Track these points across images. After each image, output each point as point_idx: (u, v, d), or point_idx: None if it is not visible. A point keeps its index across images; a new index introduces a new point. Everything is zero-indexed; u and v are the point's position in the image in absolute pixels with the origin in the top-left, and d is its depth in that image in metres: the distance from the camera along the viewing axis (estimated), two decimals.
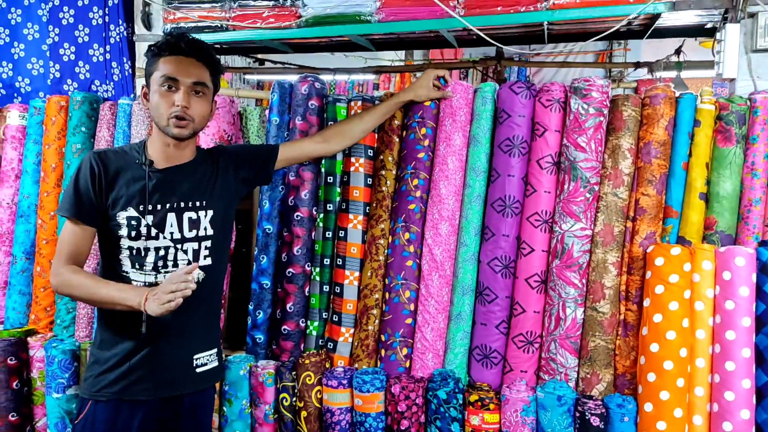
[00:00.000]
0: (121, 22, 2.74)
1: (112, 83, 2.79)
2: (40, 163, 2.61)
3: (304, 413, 2.15)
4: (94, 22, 2.78)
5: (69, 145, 2.53)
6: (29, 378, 2.46)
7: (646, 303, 1.92)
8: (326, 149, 2.16)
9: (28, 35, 2.94)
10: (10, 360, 2.39)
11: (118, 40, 2.75)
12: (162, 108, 1.71)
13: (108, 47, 2.77)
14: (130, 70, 2.76)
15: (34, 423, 2.47)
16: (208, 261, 1.81)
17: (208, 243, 1.82)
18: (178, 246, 1.77)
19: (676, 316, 1.86)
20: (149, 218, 1.73)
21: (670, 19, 2.36)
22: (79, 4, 2.81)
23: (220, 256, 1.88)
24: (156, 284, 1.72)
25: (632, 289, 1.99)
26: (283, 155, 2.05)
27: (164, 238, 1.75)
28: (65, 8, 2.83)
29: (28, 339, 2.47)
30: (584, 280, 1.99)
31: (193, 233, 1.79)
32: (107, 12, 2.76)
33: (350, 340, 2.24)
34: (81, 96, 2.56)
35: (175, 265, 1.76)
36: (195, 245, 1.79)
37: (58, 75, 2.89)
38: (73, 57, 2.85)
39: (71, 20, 2.83)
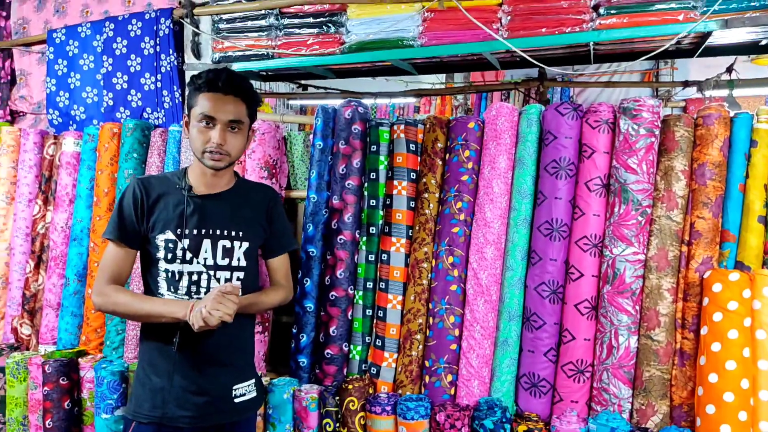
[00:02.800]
0: (171, 51, 2.83)
1: (162, 111, 2.87)
2: (93, 188, 2.70)
3: None
4: (145, 52, 2.88)
5: (121, 170, 2.61)
6: (80, 398, 2.51)
7: (704, 331, 1.84)
8: None
9: (83, 65, 3.06)
10: (62, 380, 2.45)
11: (168, 69, 2.84)
12: (199, 143, 1.78)
13: (159, 76, 2.86)
14: (180, 98, 2.83)
15: None
16: (239, 285, 1.83)
17: (241, 274, 1.86)
18: (211, 273, 1.81)
19: (735, 345, 1.77)
20: (185, 242, 1.78)
21: (721, 36, 2.29)
22: (132, 35, 2.91)
23: (253, 290, 1.91)
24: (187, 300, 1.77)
25: (688, 316, 1.91)
26: (270, 260, 2.01)
27: (198, 263, 1.80)
28: (119, 39, 2.94)
29: (79, 360, 2.52)
30: (638, 307, 1.92)
31: (226, 261, 1.83)
32: (158, 42, 2.86)
33: (394, 365, 2.21)
34: (133, 123, 2.64)
35: (208, 291, 1.80)
36: (227, 274, 1.83)
37: (111, 103, 3.00)
38: (125, 86, 2.96)
39: (124, 50, 2.94)
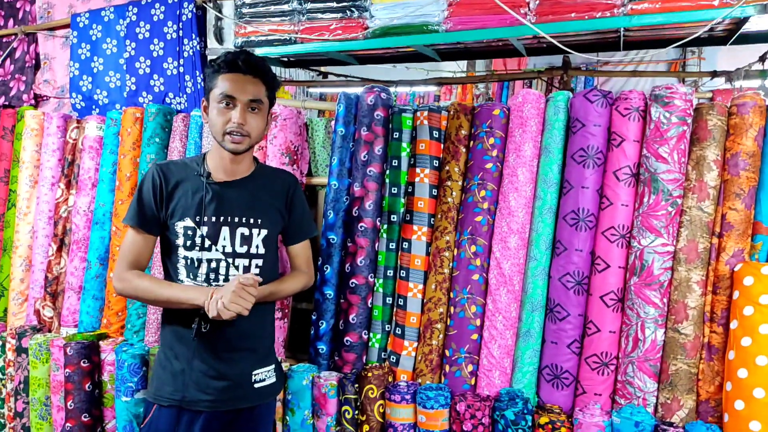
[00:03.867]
0: (194, 36, 2.81)
1: (185, 96, 2.87)
2: (115, 172, 2.71)
3: (366, 427, 2.12)
4: (168, 37, 2.88)
5: (143, 155, 2.61)
6: (100, 381, 2.53)
7: (733, 325, 1.79)
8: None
9: (106, 50, 3.06)
10: (84, 362, 2.47)
11: (191, 54, 2.83)
12: (219, 124, 1.76)
13: (182, 61, 2.86)
14: (202, 83, 2.83)
15: (105, 425, 2.54)
16: (259, 280, 1.82)
17: (260, 262, 1.84)
18: (230, 260, 1.80)
19: (767, 340, 1.72)
20: (204, 229, 1.78)
21: (757, 23, 2.21)
22: (155, 19, 2.91)
23: (272, 277, 1.90)
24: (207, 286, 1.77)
25: (717, 310, 1.86)
26: (290, 246, 2.00)
27: (216, 250, 1.79)
28: (141, 23, 2.94)
29: (100, 342, 2.54)
30: (665, 300, 1.87)
31: (244, 249, 1.82)
32: (181, 27, 2.85)
33: (413, 354, 2.19)
34: (155, 108, 2.64)
35: (227, 279, 1.80)
36: (246, 262, 1.82)
37: (134, 88, 3.00)
38: (148, 70, 2.95)
39: (147, 35, 2.94)
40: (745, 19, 2.13)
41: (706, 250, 1.87)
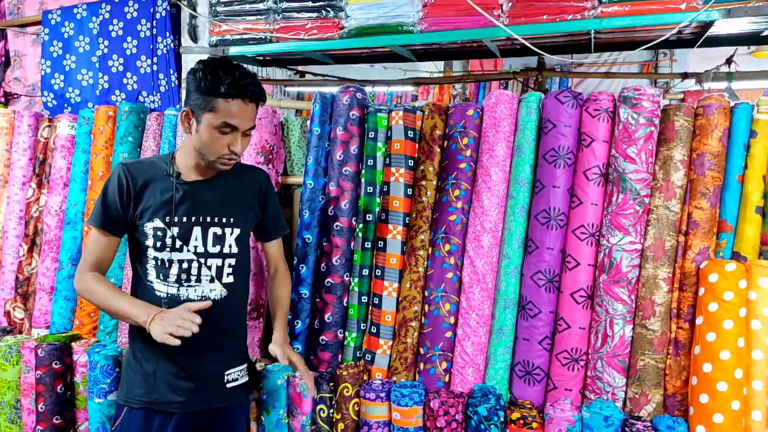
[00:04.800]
0: (168, 34, 2.80)
1: (158, 94, 2.85)
2: (87, 171, 2.68)
3: (341, 425, 2.13)
4: (142, 35, 2.85)
5: (116, 154, 2.59)
6: (73, 382, 2.50)
7: (699, 321, 1.84)
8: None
9: (79, 47, 3.03)
10: (55, 364, 2.44)
11: (165, 52, 2.81)
12: (216, 148, 1.70)
13: (155, 59, 2.84)
14: (176, 81, 2.81)
15: (77, 427, 2.51)
16: (231, 279, 1.82)
17: (233, 261, 1.83)
18: (202, 260, 1.78)
19: (730, 335, 1.77)
20: (175, 230, 1.75)
21: (723, 26, 2.28)
22: (128, 17, 2.88)
23: (244, 276, 1.90)
24: (178, 296, 1.76)
25: (684, 306, 1.91)
26: (267, 243, 2.01)
27: (188, 250, 1.77)
28: (115, 21, 2.91)
29: (73, 344, 2.51)
30: (633, 296, 1.92)
31: (217, 249, 1.80)
32: (155, 25, 2.83)
33: (388, 352, 2.21)
34: (128, 106, 2.62)
35: (198, 279, 1.78)
36: (219, 261, 1.80)
37: (106, 86, 2.97)
38: (121, 68, 2.93)
39: (120, 33, 2.91)
40: (711, 23, 2.19)
41: (672, 247, 1.91)
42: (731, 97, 3.52)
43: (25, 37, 3.37)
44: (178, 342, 1.59)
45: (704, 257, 1.89)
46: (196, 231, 1.78)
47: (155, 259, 1.77)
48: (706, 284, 1.83)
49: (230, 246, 1.82)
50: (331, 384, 2.16)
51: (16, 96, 3.46)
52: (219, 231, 1.81)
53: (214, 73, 1.64)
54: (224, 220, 1.81)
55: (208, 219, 1.79)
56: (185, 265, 1.77)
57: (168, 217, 1.75)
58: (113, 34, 2.92)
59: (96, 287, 1.74)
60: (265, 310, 2.43)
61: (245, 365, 1.91)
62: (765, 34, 2.37)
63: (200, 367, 1.78)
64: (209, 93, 1.64)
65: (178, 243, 1.76)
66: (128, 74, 2.91)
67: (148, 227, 1.76)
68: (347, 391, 2.12)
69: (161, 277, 1.77)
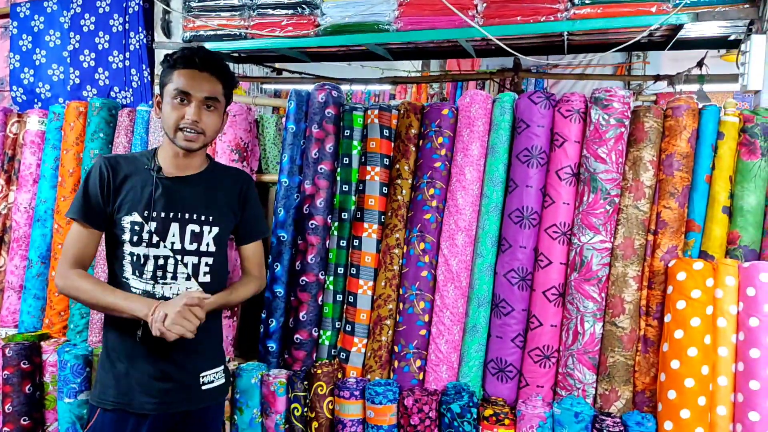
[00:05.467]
0: (141, 29, 2.76)
1: (130, 90, 2.81)
2: (57, 168, 2.63)
3: (315, 424, 2.12)
4: (114, 30, 2.81)
5: (87, 150, 2.55)
6: (42, 382, 2.46)
7: (667, 318, 1.87)
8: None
9: (49, 42, 2.97)
10: (24, 364, 2.39)
11: (137, 47, 2.77)
12: (172, 120, 1.73)
13: (127, 54, 2.79)
14: (149, 77, 2.77)
15: (46, 427, 2.47)
16: (207, 278, 1.81)
17: (210, 260, 1.81)
18: (178, 257, 1.76)
19: (697, 332, 1.81)
20: (152, 225, 1.73)
21: (692, 30, 2.32)
22: (100, 11, 2.83)
23: (221, 275, 1.88)
24: (153, 294, 1.73)
25: (653, 304, 1.95)
26: (242, 247, 1.96)
27: (165, 246, 1.75)
28: (86, 15, 2.86)
29: (42, 343, 2.47)
30: (603, 294, 1.95)
31: (194, 246, 1.78)
32: (127, 20, 2.78)
33: (363, 350, 2.21)
34: (100, 102, 2.58)
35: (174, 277, 1.76)
36: (195, 259, 1.79)
37: (77, 81, 2.91)
38: (93, 63, 2.88)
39: (92, 27, 2.86)
40: (681, 26, 2.23)
41: (642, 246, 1.95)
42: (702, 99, 3.60)
43: None
44: (176, 337, 1.60)
45: (673, 256, 1.93)
46: (174, 227, 1.76)
47: (131, 254, 1.74)
48: (675, 282, 1.87)
49: (207, 244, 1.81)
50: (306, 382, 2.16)
51: None
52: (197, 228, 1.79)
53: (174, 52, 1.76)
54: (203, 217, 1.80)
55: (187, 216, 1.78)
56: (161, 262, 1.75)
57: (146, 212, 1.73)
58: (85, 29, 2.86)
59: (83, 284, 1.70)
60: (239, 309, 2.42)
61: (221, 367, 1.89)
62: (732, 38, 2.42)
63: (175, 369, 1.76)
64: (167, 68, 1.75)
65: (155, 238, 1.74)
66: (100, 69, 2.86)
67: (126, 221, 1.73)
68: (321, 390, 2.12)
69: (137, 274, 1.74)
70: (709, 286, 1.84)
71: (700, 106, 2.00)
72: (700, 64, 3.52)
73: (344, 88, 4.90)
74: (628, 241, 1.93)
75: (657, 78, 4.19)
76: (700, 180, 1.96)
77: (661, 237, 1.94)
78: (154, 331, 1.60)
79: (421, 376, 2.13)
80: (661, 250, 1.94)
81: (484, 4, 2.28)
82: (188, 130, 1.72)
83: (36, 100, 3.04)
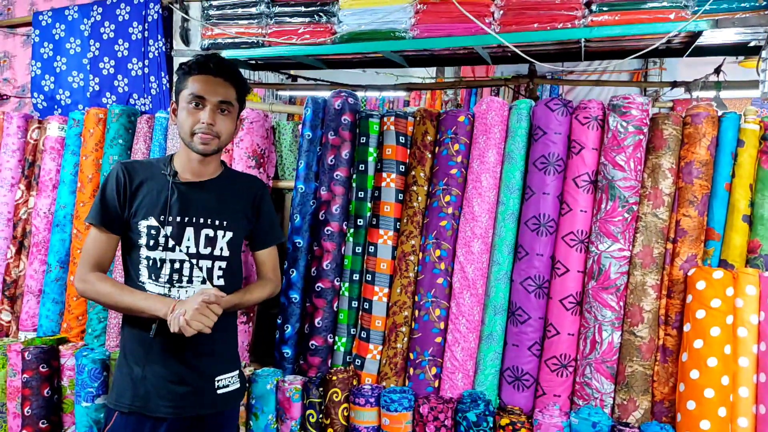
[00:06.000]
0: (159, 37, 2.79)
1: (149, 97, 2.84)
2: (77, 173, 2.66)
3: (330, 431, 2.12)
4: (133, 37, 2.84)
5: (106, 156, 2.58)
6: (60, 386, 2.48)
7: (687, 328, 1.85)
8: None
9: (70, 49, 3.01)
10: (42, 367, 2.42)
11: (156, 54, 2.81)
12: (188, 124, 1.76)
13: (146, 62, 2.83)
14: (167, 85, 2.80)
15: (63, 431, 2.49)
16: (221, 282, 1.82)
17: (223, 264, 1.83)
18: (193, 261, 1.79)
19: (717, 342, 1.79)
20: (168, 229, 1.76)
21: (711, 37, 2.31)
22: (120, 19, 2.87)
23: (235, 279, 1.90)
24: (168, 297, 1.75)
25: (672, 313, 1.93)
26: (257, 252, 1.99)
27: (180, 251, 1.77)
28: (106, 23, 2.90)
29: (60, 347, 2.49)
30: (622, 303, 1.93)
31: (208, 250, 1.81)
32: (147, 28, 2.82)
33: (378, 357, 2.21)
34: (119, 109, 2.61)
35: (190, 281, 1.78)
36: (209, 263, 1.81)
37: (97, 88, 2.95)
38: (112, 71, 2.91)
39: (111, 35, 2.90)
40: (699, 33, 2.21)
41: (660, 255, 1.93)
42: (720, 106, 3.56)
43: (15, 38, 3.36)
44: (194, 332, 1.61)
45: (692, 265, 1.91)
46: (189, 231, 1.79)
47: (147, 258, 1.77)
48: (694, 291, 1.85)
49: (221, 249, 1.83)
50: (321, 389, 2.16)
51: (5, 97, 3.44)
52: (211, 233, 1.81)
53: (189, 60, 1.81)
54: (217, 222, 1.82)
55: (201, 220, 1.80)
56: (177, 266, 1.77)
57: (162, 216, 1.76)
58: (104, 37, 2.91)
59: (103, 286, 1.74)
60: (254, 315, 2.43)
61: (237, 372, 1.89)
62: (752, 44, 2.40)
63: (190, 372, 1.77)
64: (182, 75, 1.79)
65: (171, 242, 1.77)
66: (119, 76, 2.90)
67: (142, 225, 1.76)
68: (337, 396, 2.12)
69: (153, 278, 1.77)
70: (729, 295, 1.82)
71: (720, 113, 1.98)
72: (717, 70, 3.49)
73: (359, 94, 4.91)
74: (647, 250, 1.92)
75: (674, 84, 4.16)
76: (720, 188, 1.94)
77: (680, 245, 1.92)
78: (173, 327, 1.61)
79: (436, 384, 2.12)
80: (680, 259, 1.92)
81: (501, 12, 2.28)
82: (203, 133, 1.75)
83: (56, 107, 3.08)
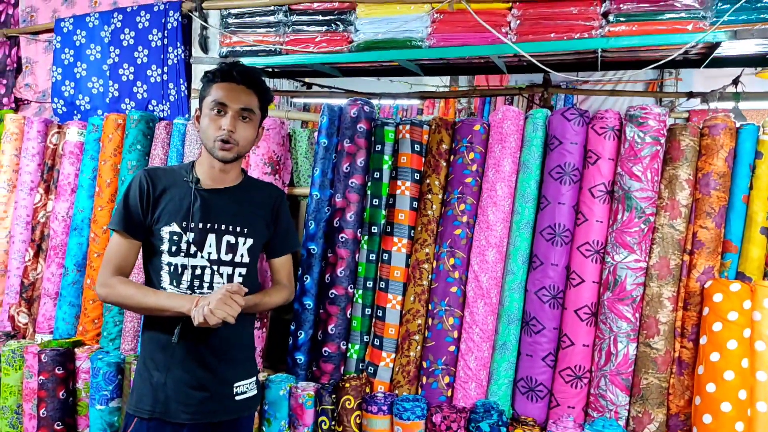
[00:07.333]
0: (179, 44, 2.83)
1: (168, 103, 2.87)
2: (95, 178, 2.70)
3: None
4: (153, 45, 2.88)
5: (124, 161, 2.61)
6: (75, 388, 2.50)
7: (703, 341, 1.84)
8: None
9: (90, 56, 3.06)
10: (58, 370, 2.44)
11: (175, 62, 2.84)
12: (210, 131, 1.78)
13: (165, 68, 2.86)
14: (186, 91, 2.83)
15: None
16: (245, 290, 1.82)
17: (243, 271, 1.85)
18: (215, 267, 1.80)
19: (734, 355, 1.77)
20: (190, 235, 1.78)
21: (729, 48, 2.29)
22: (140, 27, 2.91)
23: (254, 287, 1.91)
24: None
25: (688, 325, 1.91)
26: (273, 260, 2.00)
27: (202, 257, 1.79)
28: (126, 30, 2.94)
29: (76, 350, 2.52)
30: (637, 315, 1.92)
31: (229, 257, 1.82)
32: (166, 35, 2.86)
33: (391, 365, 2.21)
34: (138, 115, 2.64)
35: (211, 287, 1.80)
36: (230, 270, 1.82)
37: (116, 94, 2.99)
38: (131, 77, 2.95)
39: (131, 42, 2.94)
40: (717, 44, 2.21)
41: (677, 266, 1.92)
42: (738, 118, 3.53)
43: (38, 44, 3.41)
44: (218, 321, 1.61)
45: (709, 277, 1.89)
46: (211, 238, 1.80)
47: (169, 264, 1.79)
48: (711, 304, 1.83)
49: (242, 255, 1.84)
50: (334, 396, 2.16)
51: (26, 102, 3.49)
52: (232, 239, 1.83)
53: (214, 68, 1.84)
54: (238, 229, 1.84)
55: (223, 227, 1.82)
56: (198, 272, 1.79)
57: (185, 222, 1.78)
58: (124, 43, 2.95)
59: (125, 289, 1.75)
60: (268, 321, 2.44)
61: (254, 378, 1.90)
62: None
63: (210, 378, 1.78)
64: (206, 82, 1.82)
65: (193, 249, 1.78)
66: (138, 83, 2.94)
67: (165, 231, 1.78)
68: (349, 404, 2.12)
69: (174, 283, 1.78)
70: (746, 308, 1.80)
71: (738, 124, 1.97)
72: (735, 81, 3.46)
73: (373, 102, 4.93)
74: (664, 261, 1.90)
75: (690, 95, 4.13)
76: (737, 200, 1.93)
77: (697, 257, 1.91)
78: (198, 318, 1.61)
79: (449, 393, 2.11)
80: (697, 271, 1.90)
81: (518, 21, 2.28)
82: (223, 140, 1.76)
83: (76, 112, 3.13)
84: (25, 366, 2.53)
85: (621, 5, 2.17)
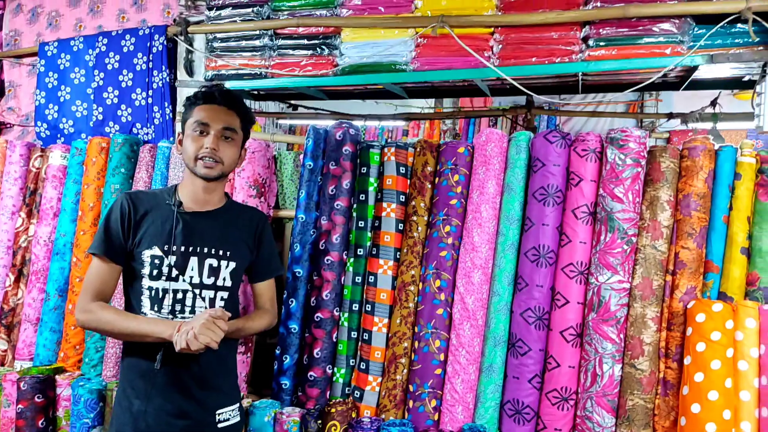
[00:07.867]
0: (164, 68, 2.83)
1: (152, 127, 2.87)
2: (78, 202, 2.67)
3: None
4: (138, 68, 2.88)
5: (108, 185, 2.59)
6: (55, 417, 2.45)
7: (687, 361, 1.85)
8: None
9: (74, 79, 3.05)
10: (38, 398, 2.39)
11: (160, 85, 2.84)
12: (192, 150, 1.79)
13: (150, 92, 2.86)
14: (170, 115, 2.83)
15: None
16: (228, 315, 1.81)
17: (225, 294, 1.84)
18: (197, 291, 1.78)
19: (718, 375, 1.78)
20: (172, 258, 1.76)
21: (706, 71, 2.35)
22: (125, 50, 2.91)
23: (236, 311, 1.90)
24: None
25: (672, 345, 1.92)
26: (256, 284, 1.99)
27: (183, 280, 1.77)
28: (111, 54, 2.94)
29: (57, 377, 2.47)
30: (622, 335, 1.93)
31: (212, 280, 1.81)
32: (151, 58, 2.86)
33: (377, 389, 2.19)
34: (122, 138, 2.63)
35: (192, 311, 1.78)
36: (212, 294, 1.81)
37: (100, 117, 2.98)
38: (116, 100, 2.95)
39: (116, 65, 2.94)
40: (695, 68, 2.26)
41: (660, 287, 1.93)
42: (716, 138, 3.60)
43: (21, 67, 3.40)
44: (201, 346, 1.58)
45: (691, 297, 1.91)
46: (193, 261, 1.79)
47: (150, 288, 1.76)
48: (694, 324, 1.84)
49: (224, 279, 1.83)
50: (319, 421, 2.13)
51: (9, 126, 3.46)
52: (215, 263, 1.82)
53: (197, 90, 1.89)
54: (221, 252, 1.83)
55: (206, 250, 1.81)
56: (179, 296, 1.77)
57: (166, 246, 1.76)
58: (109, 67, 2.95)
59: (105, 314, 1.72)
60: (253, 345, 2.41)
61: (237, 405, 1.88)
62: (746, 78, 2.44)
63: (192, 406, 1.75)
64: (188, 105, 1.84)
65: (174, 272, 1.76)
66: (123, 106, 2.93)
67: (146, 255, 1.76)
68: (335, 429, 2.09)
69: (155, 308, 1.76)
70: (729, 328, 1.82)
71: (716, 146, 2.01)
72: (713, 103, 3.53)
73: (359, 123, 4.95)
74: (647, 282, 1.92)
75: (670, 116, 4.20)
76: (718, 220, 1.95)
77: (679, 277, 1.93)
78: (181, 343, 1.58)
79: (436, 417, 2.10)
80: (679, 291, 1.92)
81: (500, 46, 2.32)
82: (207, 158, 1.77)
83: (59, 136, 3.11)
84: (3, 394, 2.47)
85: (601, 30, 2.21)
